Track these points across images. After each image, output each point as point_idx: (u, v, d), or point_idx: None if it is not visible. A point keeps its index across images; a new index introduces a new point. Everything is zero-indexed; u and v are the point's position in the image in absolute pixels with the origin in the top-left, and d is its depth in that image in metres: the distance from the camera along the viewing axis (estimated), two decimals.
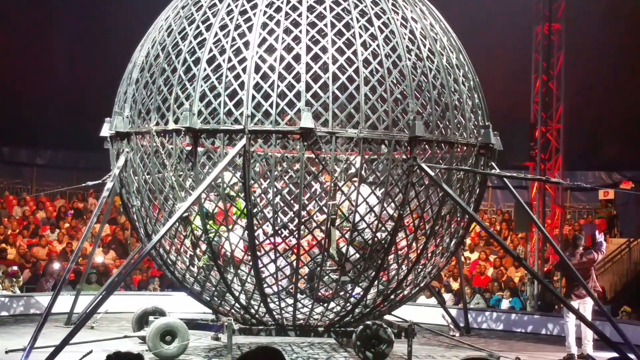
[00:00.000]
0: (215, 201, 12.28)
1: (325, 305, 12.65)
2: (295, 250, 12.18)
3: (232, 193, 12.42)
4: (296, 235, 12.18)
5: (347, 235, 12.14)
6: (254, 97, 11.73)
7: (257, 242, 12.17)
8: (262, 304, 12.39)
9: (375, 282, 12.47)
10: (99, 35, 26.72)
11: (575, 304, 13.47)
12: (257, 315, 12.61)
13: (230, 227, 11.99)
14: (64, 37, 26.86)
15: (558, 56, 20.70)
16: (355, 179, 12.20)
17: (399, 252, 12.48)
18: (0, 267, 18.87)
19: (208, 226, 12.04)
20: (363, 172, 12.31)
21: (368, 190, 12.35)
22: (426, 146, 12.35)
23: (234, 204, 12.41)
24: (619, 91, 26.37)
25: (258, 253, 12.16)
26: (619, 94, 26.37)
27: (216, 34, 12.07)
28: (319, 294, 12.66)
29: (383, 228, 12.23)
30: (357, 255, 12.34)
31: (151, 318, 13.07)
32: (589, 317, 13.51)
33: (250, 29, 12.02)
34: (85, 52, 26.99)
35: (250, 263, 12.11)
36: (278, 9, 12.15)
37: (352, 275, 12.44)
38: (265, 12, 12.12)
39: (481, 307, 18.88)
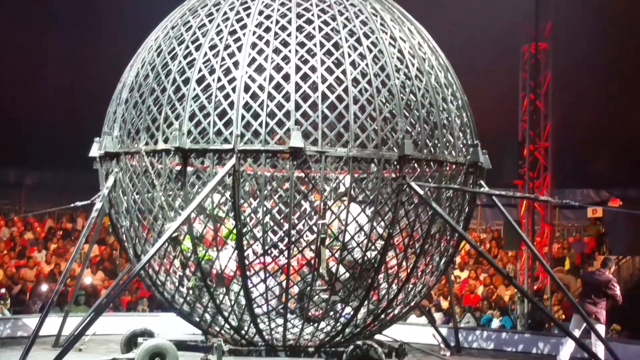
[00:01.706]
0: (204, 222, 12.25)
1: (316, 325, 12.60)
2: (285, 270, 12.14)
3: (221, 213, 12.39)
4: (286, 255, 12.15)
5: (337, 255, 12.12)
6: (243, 117, 11.74)
7: (246, 262, 12.13)
8: (252, 325, 12.34)
9: (366, 302, 12.44)
10: (88, 56, 26.71)
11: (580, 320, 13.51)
12: (247, 336, 12.55)
13: (220, 248, 11.96)
14: (54, 57, 26.85)
15: (545, 75, 20.81)
16: (344, 198, 12.19)
17: (389, 271, 12.46)
18: None
19: (198, 248, 12.01)
20: (352, 191, 12.30)
21: (358, 209, 12.34)
22: (415, 165, 12.37)
23: (223, 225, 12.38)
24: (606, 109, 26.50)
25: (248, 273, 12.13)
26: (606, 112, 26.50)
27: (205, 54, 12.08)
28: (309, 313, 12.61)
29: (373, 247, 12.22)
30: (347, 275, 12.32)
31: (140, 339, 13.00)
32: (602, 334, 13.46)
33: (239, 48, 12.04)
34: (75, 72, 26.96)
35: (240, 282, 12.06)
36: (267, 29, 12.18)
37: (342, 295, 12.41)
38: (254, 32, 12.15)
39: (472, 326, 18.84)
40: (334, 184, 13.53)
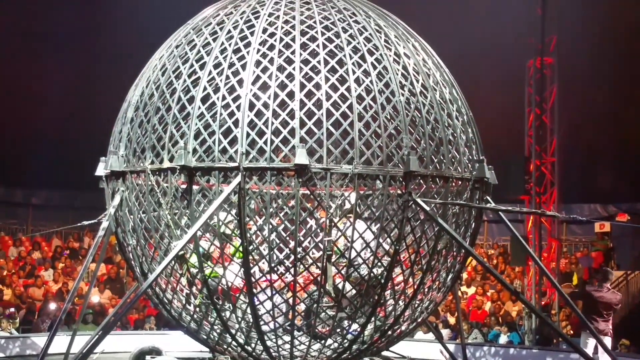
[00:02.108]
0: (211, 240, 12.27)
1: (323, 342, 12.58)
2: (291, 287, 12.13)
3: (227, 231, 12.41)
4: (292, 272, 12.15)
5: (343, 271, 12.11)
6: (248, 135, 11.77)
7: (253, 280, 12.13)
8: (259, 342, 12.33)
9: (372, 318, 12.42)
10: (93, 74, 26.85)
11: (591, 339, 13.41)
12: (254, 353, 12.54)
13: (226, 264, 11.97)
14: (58, 76, 26.97)
15: (551, 89, 20.82)
16: (350, 214, 12.19)
17: (396, 288, 12.44)
18: None
19: (205, 265, 12.01)
20: (358, 208, 12.28)
21: (364, 226, 12.33)
22: (421, 181, 12.36)
23: (230, 243, 12.39)
24: (612, 123, 26.49)
25: (254, 290, 12.13)
26: (613, 126, 26.48)
27: (210, 73, 12.13)
28: (316, 330, 12.59)
29: (379, 263, 12.20)
30: (354, 291, 12.31)
31: (148, 358, 13.02)
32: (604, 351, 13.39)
33: (243, 67, 12.08)
34: (80, 92, 27.07)
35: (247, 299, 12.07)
36: (271, 47, 12.22)
37: (348, 312, 12.40)
38: (258, 50, 12.19)
39: (479, 342, 18.80)
40: (340, 200, 13.53)
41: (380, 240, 12.16)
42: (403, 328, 13.04)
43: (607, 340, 13.52)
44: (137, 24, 24.53)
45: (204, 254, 12.07)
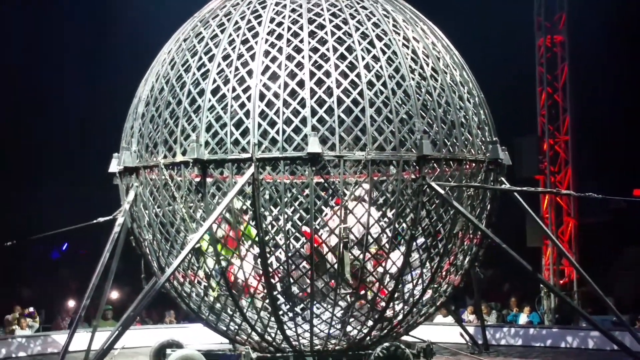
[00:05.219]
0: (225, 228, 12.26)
1: (342, 329, 12.58)
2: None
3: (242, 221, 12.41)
4: (309, 261, 12.13)
5: (360, 258, 12.07)
6: (259, 125, 11.75)
7: (270, 270, 12.12)
8: (278, 331, 12.34)
9: (391, 304, 12.40)
10: (103, 71, 26.93)
11: None
12: (274, 343, 12.56)
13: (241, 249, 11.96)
14: (69, 73, 27.10)
15: (562, 68, 20.71)
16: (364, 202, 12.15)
17: (414, 272, 12.41)
18: (17, 309, 18.88)
19: (221, 253, 12.02)
20: (373, 195, 12.24)
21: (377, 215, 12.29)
22: (435, 165, 12.32)
23: (244, 233, 12.40)
24: (626, 99, 26.34)
25: (272, 280, 12.13)
26: (626, 102, 26.34)
27: (219, 64, 12.12)
28: (335, 318, 12.57)
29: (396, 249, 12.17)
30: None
31: (168, 351, 13.04)
32: None
33: (252, 57, 12.06)
34: (89, 89, 27.17)
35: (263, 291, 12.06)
36: (279, 36, 12.19)
37: (369, 299, 12.38)
38: (266, 40, 12.17)
39: (499, 323, 18.77)
40: (354, 188, 13.52)
41: (396, 226, 12.12)
42: (422, 312, 13.02)
43: None
44: (144, 20, 24.55)
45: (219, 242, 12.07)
